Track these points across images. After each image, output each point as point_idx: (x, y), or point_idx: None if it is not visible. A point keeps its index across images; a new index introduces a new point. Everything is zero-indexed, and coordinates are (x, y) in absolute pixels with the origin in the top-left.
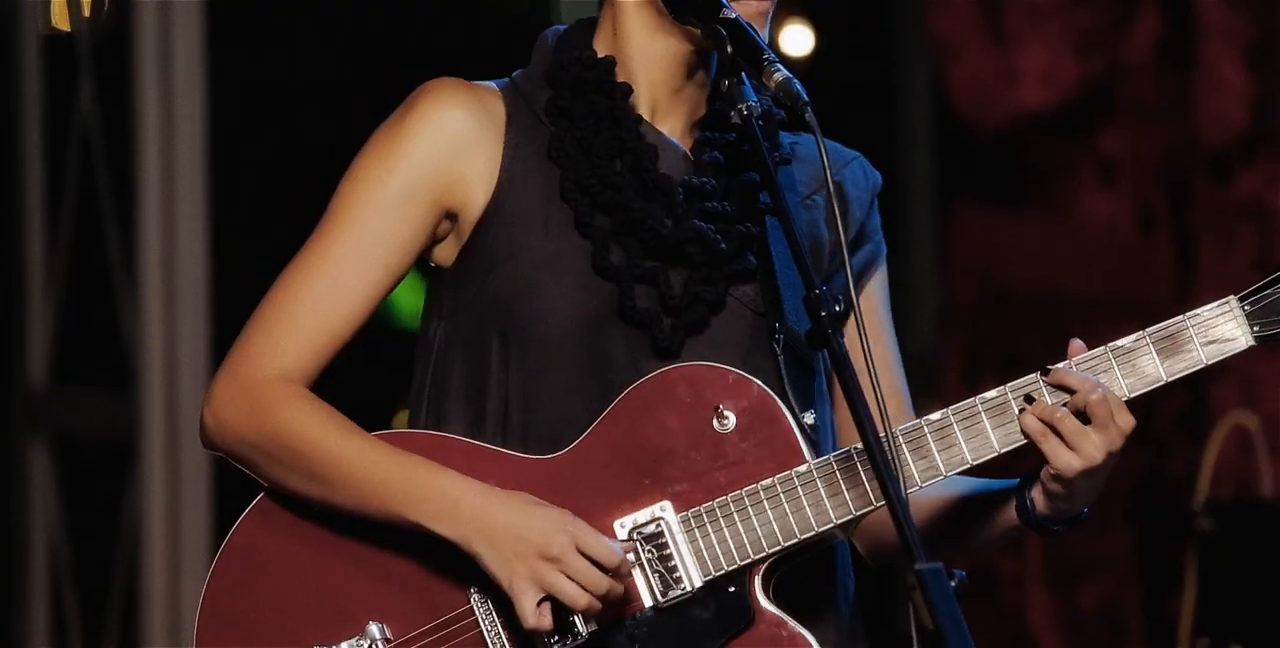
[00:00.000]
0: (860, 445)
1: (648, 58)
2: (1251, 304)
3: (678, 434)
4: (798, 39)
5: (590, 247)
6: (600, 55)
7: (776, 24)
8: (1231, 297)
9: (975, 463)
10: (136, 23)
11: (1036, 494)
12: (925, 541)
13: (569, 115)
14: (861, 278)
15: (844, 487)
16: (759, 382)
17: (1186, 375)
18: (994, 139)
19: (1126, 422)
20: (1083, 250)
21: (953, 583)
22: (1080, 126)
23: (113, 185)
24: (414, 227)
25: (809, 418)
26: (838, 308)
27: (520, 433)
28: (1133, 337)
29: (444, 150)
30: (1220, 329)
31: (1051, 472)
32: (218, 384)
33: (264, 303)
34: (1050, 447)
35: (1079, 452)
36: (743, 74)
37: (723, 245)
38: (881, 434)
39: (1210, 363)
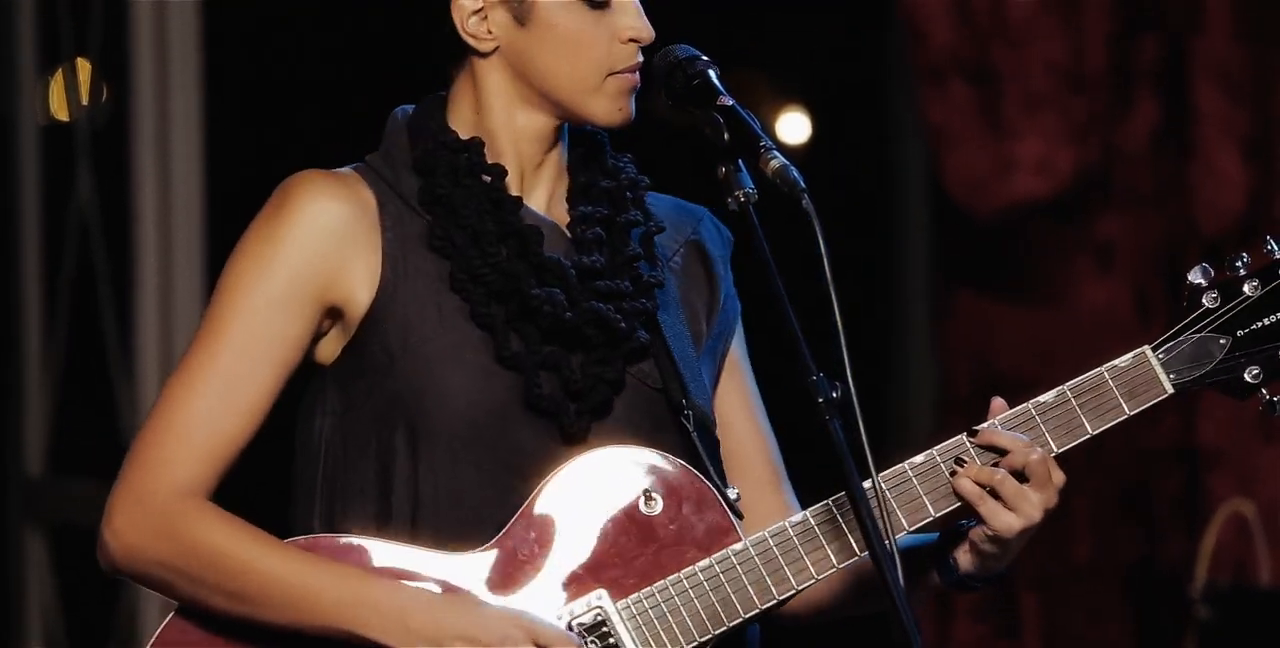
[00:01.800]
0: (795, 520)
1: (514, 134)
2: (1165, 352)
3: (605, 520)
4: (795, 126)
5: (487, 336)
6: (463, 136)
7: (774, 111)
8: (1145, 347)
9: (911, 530)
10: (134, 112)
11: (962, 554)
12: (838, 602)
13: (447, 203)
14: (725, 340)
15: (783, 563)
16: (682, 462)
17: (1112, 427)
18: (991, 227)
19: (1060, 479)
20: (1080, 337)
21: None
22: (1077, 214)
23: (110, 274)
24: (299, 327)
25: (732, 493)
26: (835, 395)
27: (432, 529)
28: (1053, 392)
29: (322, 246)
30: (1140, 380)
31: (989, 533)
32: (116, 504)
33: (153, 414)
34: (989, 509)
35: (1019, 512)
36: (740, 161)
37: (622, 324)
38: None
39: (1133, 414)
